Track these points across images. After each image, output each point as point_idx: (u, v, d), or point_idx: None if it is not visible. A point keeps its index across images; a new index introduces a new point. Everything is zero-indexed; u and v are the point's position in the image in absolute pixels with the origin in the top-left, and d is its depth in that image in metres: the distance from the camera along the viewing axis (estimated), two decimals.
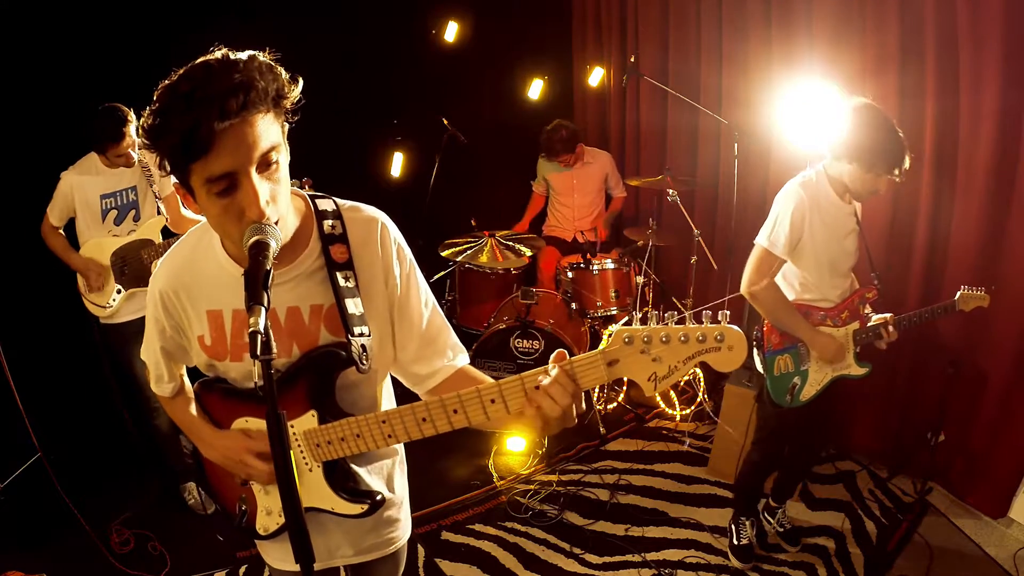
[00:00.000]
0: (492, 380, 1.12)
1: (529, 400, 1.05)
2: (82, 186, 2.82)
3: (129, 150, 2.77)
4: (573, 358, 1.02)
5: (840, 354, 2.39)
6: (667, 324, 0.97)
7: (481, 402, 1.08)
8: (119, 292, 2.87)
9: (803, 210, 2.26)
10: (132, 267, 2.86)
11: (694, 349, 0.95)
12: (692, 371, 3.92)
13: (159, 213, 2.93)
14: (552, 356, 1.05)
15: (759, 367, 2.45)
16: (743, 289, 2.37)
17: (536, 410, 1.04)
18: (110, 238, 2.87)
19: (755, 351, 2.46)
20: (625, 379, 3.92)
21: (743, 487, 2.75)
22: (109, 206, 2.86)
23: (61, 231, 2.93)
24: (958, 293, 2.37)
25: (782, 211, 2.29)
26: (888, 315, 2.39)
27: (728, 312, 0.96)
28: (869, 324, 2.41)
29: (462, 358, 1.36)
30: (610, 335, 1.01)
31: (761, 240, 2.34)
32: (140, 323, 2.82)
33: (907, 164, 2.16)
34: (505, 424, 1.14)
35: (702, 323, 0.96)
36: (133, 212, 2.90)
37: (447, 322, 1.36)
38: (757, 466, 2.67)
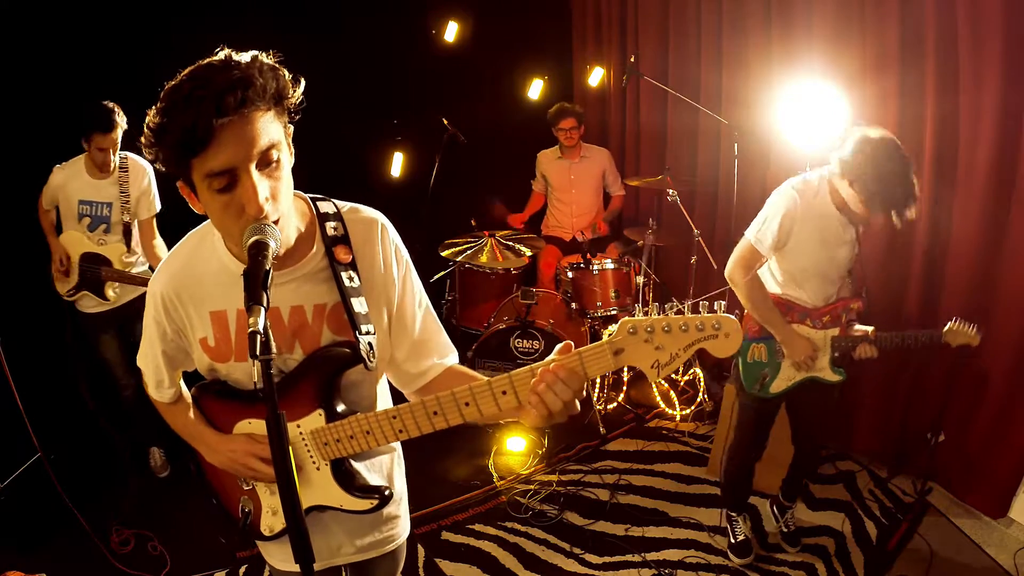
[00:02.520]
0: (481, 377, 1.15)
1: (540, 391, 1.07)
2: (66, 186, 2.94)
3: (111, 150, 2.87)
4: (581, 348, 1.05)
5: (811, 358, 2.38)
6: (668, 314, 1.02)
7: (493, 394, 1.10)
8: (77, 288, 3.00)
9: (793, 214, 2.26)
10: (92, 275, 2.99)
11: (694, 337, 1.01)
12: (693, 371, 3.92)
13: (126, 236, 3.02)
14: (558, 347, 1.08)
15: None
16: (726, 274, 2.42)
17: (543, 400, 1.06)
18: (83, 237, 2.99)
19: None
20: (625, 379, 3.93)
21: (726, 479, 2.77)
22: (85, 212, 2.97)
23: (52, 213, 3.04)
24: (947, 325, 2.33)
25: (772, 211, 2.30)
26: (870, 329, 2.36)
27: (724, 302, 1.02)
28: (850, 333, 2.39)
29: (452, 357, 1.39)
30: (612, 332, 1.05)
31: (749, 235, 2.38)
32: (104, 315, 3.04)
33: (910, 213, 2.07)
34: (511, 415, 1.16)
35: (700, 312, 1.02)
36: (104, 226, 3.01)
37: (439, 323, 1.38)
38: (736, 455, 2.69)
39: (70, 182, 2.94)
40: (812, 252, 2.31)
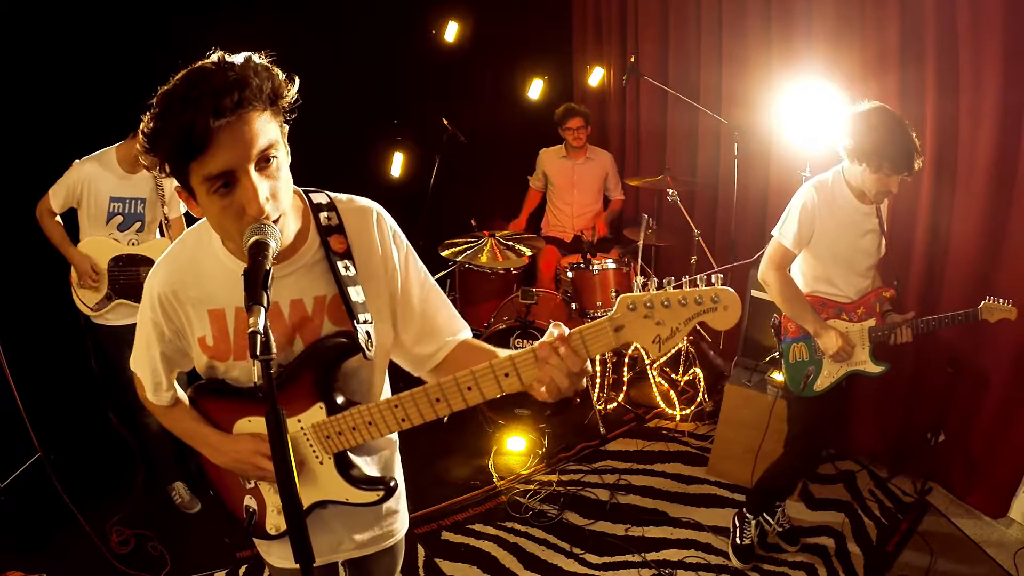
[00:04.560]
0: (495, 350, 1.15)
1: (541, 369, 1.07)
2: (94, 181, 2.74)
3: None
4: (582, 326, 1.05)
5: (845, 351, 2.40)
6: (667, 289, 1.02)
7: (495, 377, 1.10)
8: (108, 299, 2.84)
9: (812, 209, 2.34)
10: (128, 279, 2.84)
11: (693, 311, 1.01)
12: (693, 371, 3.91)
13: (161, 235, 2.90)
14: (552, 325, 1.07)
15: (777, 355, 2.55)
16: (759, 277, 2.50)
17: (550, 375, 1.06)
18: (111, 241, 2.83)
19: (774, 338, 2.55)
20: (625, 380, 3.92)
21: (768, 488, 2.69)
22: (116, 210, 2.81)
23: (59, 219, 2.85)
24: (982, 303, 2.35)
25: (793, 208, 2.40)
26: (910, 314, 2.43)
27: (722, 275, 1.03)
28: (887, 322, 2.44)
29: (464, 332, 1.37)
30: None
31: (774, 232, 2.46)
32: (134, 327, 2.81)
33: (917, 165, 2.18)
34: (518, 389, 1.15)
35: (698, 286, 1.02)
36: (138, 224, 2.86)
37: (447, 300, 1.37)
38: (792, 468, 2.64)
39: (100, 177, 2.74)
40: (838, 244, 2.38)
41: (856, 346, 2.44)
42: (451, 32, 4.54)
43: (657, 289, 1.03)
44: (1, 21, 3.14)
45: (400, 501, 1.53)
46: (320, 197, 1.25)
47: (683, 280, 1.04)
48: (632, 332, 1.03)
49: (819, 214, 2.34)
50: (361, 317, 1.18)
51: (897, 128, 2.17)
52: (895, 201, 3.04)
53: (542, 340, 1.07)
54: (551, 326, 1.07)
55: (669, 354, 3.19)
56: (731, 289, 1.00)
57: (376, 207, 1.28)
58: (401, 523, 1.53)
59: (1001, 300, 2.34)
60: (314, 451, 1.25)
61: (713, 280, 1.02)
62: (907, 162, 2.16)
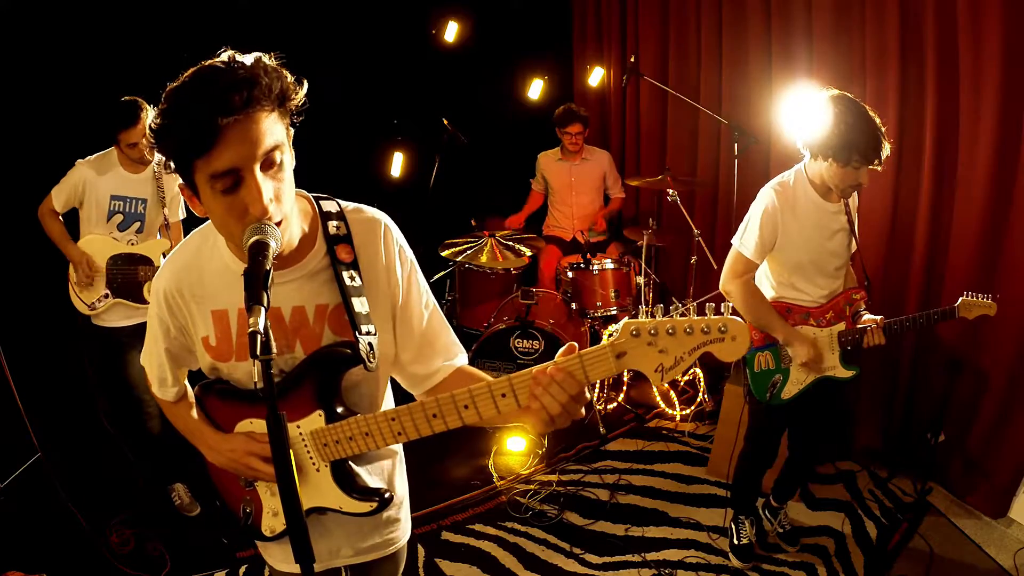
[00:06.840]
0: (491, 378, 1.13)
1: (538, 393, 1.05)
2: (95, 181, 2.75)
3: (142, 143, 2.69)
4: (583, 351, 1.03)
5: (817, 356, 2.33)
6: (672, 316, 0.99)
7: (492, 396, 1.09)
8: (106, 296, 2.82)
9: (773, 214, 2.23)
10: (126, 278, 2.83)
11: (699, 340, 0.97)
12: (693, 371, 3.90)
13: (161, 235, 2.90)
14: (561, 349, 1.06)
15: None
16: (721, 288, 2.39)
17: (540, 402, 1.04)
18: (110, 239, 2.83)
19: None
20: (625, 380, 3.93)
21: (738, 484, 2.75)
22: (117, 208, 2.81)
23: (61, 217, 2.85)
24: (960, 299, 2.27)
25: (753, 215, 2.29)
26: (878, 317, 2.32)
27: (731, 304, 0.99)
28: (857, 326, 2.35)
29: (461, 358, 1.37)
30: (612, 332, 1.03)
31: (734, 242, 2.35)
32: (132, 329, 2.81)
33: (886, 151, 2.06)
34: (513, 419, 1.14)
35: (705, 315, 0.98)
36: (138, 224, 2.85)
37: (447, 322, 1.37)
38: (749, 462, 2.67)
39: (101, 176, 2.74)
40: (805, 246, 2.28)
41: (825, 352, 2.36)
42: (451, 32, 4.54)
43: (664, 315, 0.99)
44: (3, 21, 3.14)
45: (402, 510, 1.51)
46: (330, 205, 1.24)
47: (691, 305, 1.01)
48: (634, 359, 1.00)
49: (781, 220, 2.22)
50: (364, 328, 1.18)
51: (861, 116, 2.04)
52: (895, 202, 3.06)
53: (544, 365, 1.05)
54: (562, 348, 1.04)
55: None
56: (739, 319, 0.97)
57: (384, 219, 1.27)
58: (402, 531, 1.51)
59: (980, 295, 2.24)
60: (311, 458, 1.25)
61: (722, 309, 0.98)
62: (876, 150, 2.04)
